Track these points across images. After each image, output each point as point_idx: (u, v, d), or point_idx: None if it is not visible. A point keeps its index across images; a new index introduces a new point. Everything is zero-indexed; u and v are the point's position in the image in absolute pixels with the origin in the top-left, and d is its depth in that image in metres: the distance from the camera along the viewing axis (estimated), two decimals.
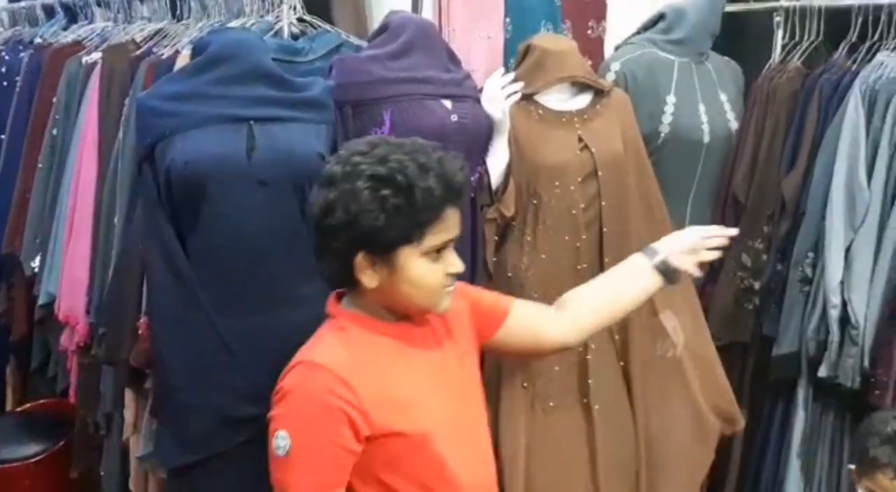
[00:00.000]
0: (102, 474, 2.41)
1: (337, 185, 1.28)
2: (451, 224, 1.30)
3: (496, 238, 1.94)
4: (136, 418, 2.17)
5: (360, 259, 1.29)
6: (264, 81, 1.70)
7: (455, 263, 1.32)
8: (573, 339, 1.57)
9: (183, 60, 2.02)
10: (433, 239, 1.29)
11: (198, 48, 1.75)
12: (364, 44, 2.04)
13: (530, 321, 1.55)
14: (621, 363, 2.01)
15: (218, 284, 1.66)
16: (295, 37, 2.13)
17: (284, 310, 1.67)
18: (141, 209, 1.81)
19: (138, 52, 2.33)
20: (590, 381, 1.96)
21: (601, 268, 1.94)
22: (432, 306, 1.34)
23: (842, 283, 2.08)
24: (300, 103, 1.74)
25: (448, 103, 1.87)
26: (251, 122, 1.67)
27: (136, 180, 1.89)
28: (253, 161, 1.65)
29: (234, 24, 2.18)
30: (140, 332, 1.99)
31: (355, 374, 1.27)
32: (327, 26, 2.16)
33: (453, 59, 1.97)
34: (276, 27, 2.10)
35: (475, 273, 1.89)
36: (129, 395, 2.18)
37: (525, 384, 1.95)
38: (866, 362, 2.04)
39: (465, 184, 1.32)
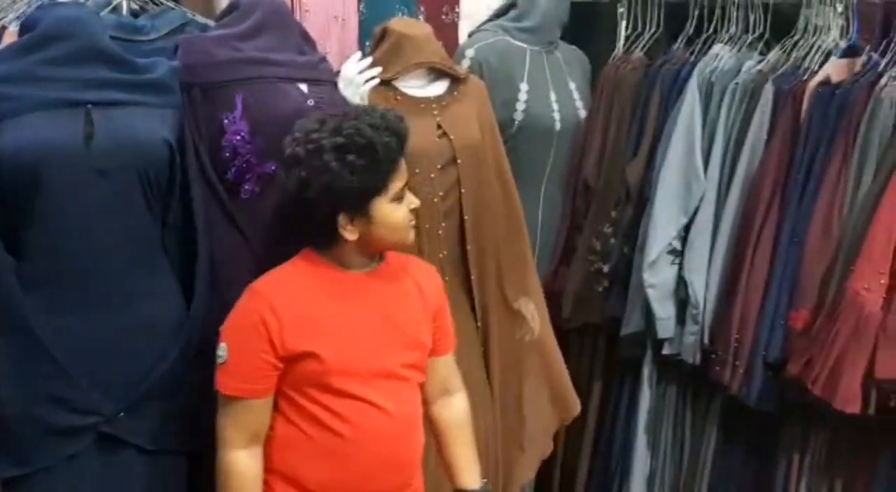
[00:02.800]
0: None
1: (305, 163, 1.47)
2: (403, 169, 1.52)
3: None
4: None
5: (341, 219, 1.49)
6: (102, 62, 1.56)
7: (413, 201, 1.54)
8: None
9: (10, 37, 1.82)
10: (395, 186, 1.50)
11: (26, 25, 1.58)
12: (211, 23, 1.92)
13: (439, 380, 1.68)
14: (482, 349, 2.03)
15: (53, 286, 1.52)
16: (135, 14, 1.97)
17: (124, 310, 1.57)
18: None
19: None
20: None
21: (464, 256, 1.95)
22: (403, 242, 1.55)
23: (680, 266, 2.20)
24: (143, 86, 1.61)
25: (304, 87, 1.79)
26: (89, 106, 1.53)
27: None
28: (91, 149, 1.51)
29: None
30: None
31: (284, 302, 1.48)
32: (171, 3, 2.02)
33: (308, 40, 1.89)
34: (114, 3, 1.93)
35: None
36: None
37: None
38: (706, 340, 2.17)
39: (408, 132, 1.52)
